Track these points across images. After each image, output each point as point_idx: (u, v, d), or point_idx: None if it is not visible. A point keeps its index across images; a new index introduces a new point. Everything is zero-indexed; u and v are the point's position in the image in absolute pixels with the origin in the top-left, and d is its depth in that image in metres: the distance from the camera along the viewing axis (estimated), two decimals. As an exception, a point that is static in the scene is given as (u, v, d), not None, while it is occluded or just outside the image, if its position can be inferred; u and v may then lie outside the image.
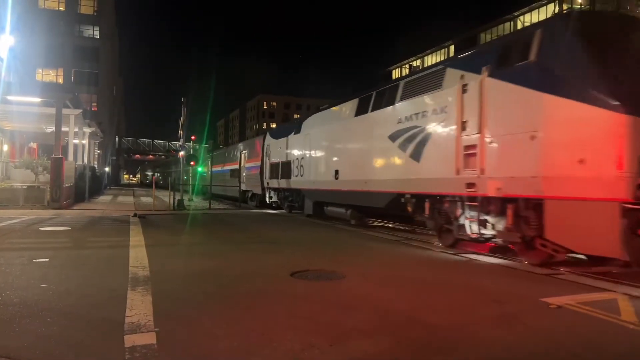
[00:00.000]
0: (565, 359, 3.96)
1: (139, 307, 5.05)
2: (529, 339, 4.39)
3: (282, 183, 20.24)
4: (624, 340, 4.49)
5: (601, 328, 4.79)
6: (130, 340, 4.05)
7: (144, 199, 29.11)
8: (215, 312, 5.06)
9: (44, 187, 19.70)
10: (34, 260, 7.62)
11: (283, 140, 20.45)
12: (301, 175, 17.87)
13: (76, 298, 5.44)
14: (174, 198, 21.83)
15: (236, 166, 28.70)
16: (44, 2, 59.57)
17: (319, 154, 16.61)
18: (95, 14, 63.69)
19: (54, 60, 57.96)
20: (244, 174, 27.07)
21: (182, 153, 27.51)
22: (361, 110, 13.70)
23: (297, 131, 18.86)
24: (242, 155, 27.71)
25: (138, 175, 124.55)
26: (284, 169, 19.88)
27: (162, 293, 5.70)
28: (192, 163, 25.98)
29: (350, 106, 14.63)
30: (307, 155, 17.43)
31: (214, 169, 34.22)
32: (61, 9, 61.11)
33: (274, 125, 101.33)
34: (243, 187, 26.90)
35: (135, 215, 16.45)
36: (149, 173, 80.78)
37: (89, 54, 61.75)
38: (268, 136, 23.34)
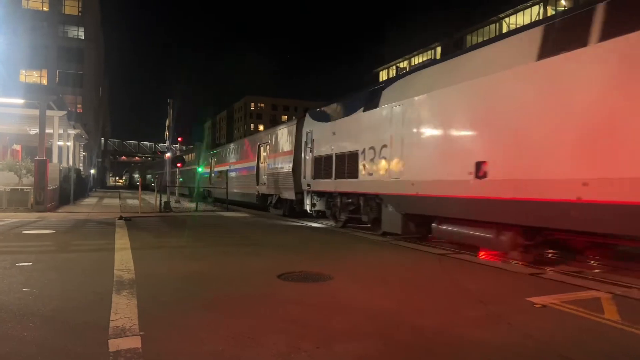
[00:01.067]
0: (551, 359, 3.99)
1: (123, 310, 4.99)
2: (514, 339, 4.43)
3: (340, 185, 14.54)
4: (607, 339, 4.54)
5: (585, 327, 4.84)
6: (114, 344, 4.01)
7: (130, 201, 28.84)
8: (200, 315, 5.02)
9: (28, 189, 19.42)
10: (17, 264, 7.50)
11: (339, 122, 14.93)
12: (382, 173, 12.21)
13: (60, 302, 5.37)
14: (161, 200, 21.66)
15: (251, 164, 23.91)
16: (27, 3, 58.95)
17: (434, 135, 10.63)
18: (79, 14, 63.11)
19: (37, 61, 57.30)
20: (264, 174, 22.08)
21: (168, 155, 27.34)
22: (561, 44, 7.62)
23: (372, 104, 13.01)
24: (262, 149, 22.66)
25: (124, 177, 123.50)
26: (342, 163, 14.37)
27: (148, 296, 5.65)
28: (178, 165, 25.82)
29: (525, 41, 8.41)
30: (400, 139, 11.52)
31: (217, 169, 31.06)
32: (45, 9, 60.48)
33: (261, 128, 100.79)
34: (263, 190, 22.20)
35: (121, 217, 16.29)
36: (136, 175, 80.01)
37: (73, 55, 61.17)
38: (309, 118, 17.49)
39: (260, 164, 22.67)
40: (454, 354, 4.05)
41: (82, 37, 63.05)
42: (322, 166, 15.65)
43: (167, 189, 24.40)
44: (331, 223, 15.85)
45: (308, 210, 17.35)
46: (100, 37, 72.87)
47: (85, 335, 4.31)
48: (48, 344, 4.05)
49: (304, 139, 17.39)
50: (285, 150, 19.51)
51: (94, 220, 16.23)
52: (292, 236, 12.90)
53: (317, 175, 16.07)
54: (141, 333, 4.30)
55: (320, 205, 16.63)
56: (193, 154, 42.74)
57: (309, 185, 16.80)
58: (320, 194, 16.46)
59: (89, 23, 63.44)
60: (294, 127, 18.74)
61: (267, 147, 21.70)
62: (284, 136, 20.06)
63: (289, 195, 18.62)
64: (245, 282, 6.68)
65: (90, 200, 29.87)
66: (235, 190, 25.93)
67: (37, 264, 7.64)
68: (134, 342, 4.06)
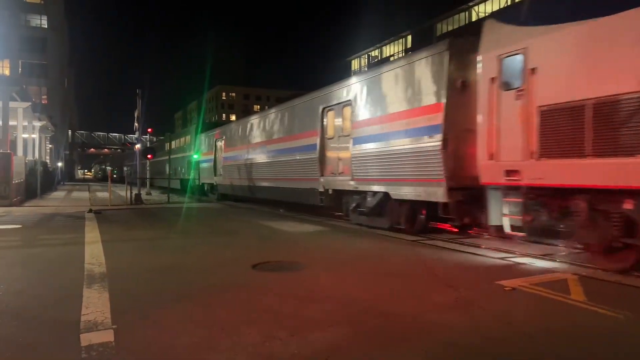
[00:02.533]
0: (520, 340, 4.10)
1: (95, 304, 4.92)
2: (485, 323, 4.53)
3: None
4: (573, 318, 4.69)
5: (553, 308, 5.00)
6: (86, 338, 3.95)
7: (100, 194, 28.29)
8: (174, 308, 4.98)
9: (-8, 184, 18.84)
10: (-18, 261, 7.30)
11: None
12: None
13: (28, 298, 5.26)
14: (131, 192, 21.31)
15: (303, 142, 15.00)
16: (-14, -10, 56.72)
17: None
18: (42, 2, 61.19)
19: (-1, 51, 55.35)
20: (339, 156, 13.12)
21: (138, 146, 26.84)
22: None
23: None
24: (335, 114, 13.51)
25: (93, 170, 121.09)
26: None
27: (120, 290, 5.57)
28: (149, 156, 25.39)
29: None
30: None
31: (228, 154, 22.61)
32: (5, -3, 58.29)
33: (233, 118, 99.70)
34: (341, 183, 12.96)
35: (90, 210, 15.98)
36: (109, 168, 78.36)
37: (36, 44, 59.40)
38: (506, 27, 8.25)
39: (328, 140, 13.73)
40: (425, 338, 4.12)
41: (46, 26, 61.23)
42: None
43: (137, 182, 23.92)
44: None
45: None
46: (64, 26, 70.76)
47: (56, 330, 4.24)
48: (16, 340, 3.96)
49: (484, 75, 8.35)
50: (427, 104, 9.85)
51: (62, 214, 15.88)
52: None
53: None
54: (114, 327, 4.25)
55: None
56: (179, 140, 36.46)
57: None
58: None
59: (52, 11, 61.58)
60: (437, 58, 9.68)
61: (350, 109, 12.44)
62: (407, 80, 10.61)
63: (429, 193, 9.63)
64: (219, 273, 6.65)
65: (58, 194, 29.19)
66: (267, 185, 18.08)
67: (3, 260, 7.45)
68: (107, 336, 4.01)
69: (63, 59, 68.99)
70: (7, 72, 57.86)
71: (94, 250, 8.32)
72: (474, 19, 50.96)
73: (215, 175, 24.63)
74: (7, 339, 3.99)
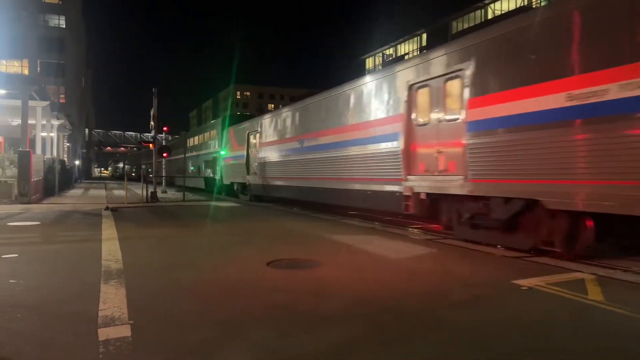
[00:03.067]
0: (537, 339, 4.06)
1: (112, 300, 4.98)
2: (501, 322, 4.50)
3: None
4: (591, 319, 4.63)
5: (570, 308, 4.93)
6: (104, 333, 4.00)
7: (116, 192, 28.62)
8: (189, 304, 5.03)
9: (12, 181, 19.15)
10: (2, 256, 7.43)
11: None
12: None
13: (47, 293, 5.33)
14: (147, 190, 21.51)
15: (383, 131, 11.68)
16: (6, -9, 57.63)
17: None
18: (60, 2, 62.02)
19: (18, 51, 56.28)
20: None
21: (152, 144, 27.01)
22: None
23: None
24: (426, 92, 10.29)
25: (110, 168, 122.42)
26: None
27: (136, 286, 5.63)
28: (164, 155, 25.58)
29: None
30: None
31: (266, 147, 19.42)
32: (25, -3, 59.20)
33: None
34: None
35: (107, 208, 16.16)
36: (127, 166, 78.89)
37: (54, 44, 60.23)
38: None
39: (418, 127, 10.43)
40: (439, 336, 4.10)
41: (63, 26, 62.04)
42: None
43: (153, 180, 24.14)
44: None
45: None
46: (81, 25, 71.67)
47: (74, 325, 4.29)
48: (36, 335, 4.03)
49: None
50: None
51: (79, 211, 16.09)
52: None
53: None
54: (130, 322, 4.30)
55: None
56: (202, 136, 33.58)
57: None
58: None
59: (69, 11, 62.40)
60: None
61: (459, 82, 9.21)
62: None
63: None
64: (233, 270, 6.68)
65: (75, 192, 29.57)
66: (320, 186, 14.90)
67: (23, 256, 7.57)
68: (124, 331, 4.05)
69: (80, 59, 69.89)
70: (26, 71, 58.80)
71: (110, 247, 8.42)
72: (489, 16, 50.49)
73: (248, 173, 21.91)
74: (27, 333, 4.05)
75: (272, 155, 18.95)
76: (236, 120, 26.12)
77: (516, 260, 7.48)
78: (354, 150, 12.96)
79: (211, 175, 28.84)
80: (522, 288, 5.65)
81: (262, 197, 20.86)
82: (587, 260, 7.37)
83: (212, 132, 30.56)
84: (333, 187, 14.17)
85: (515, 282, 5.89)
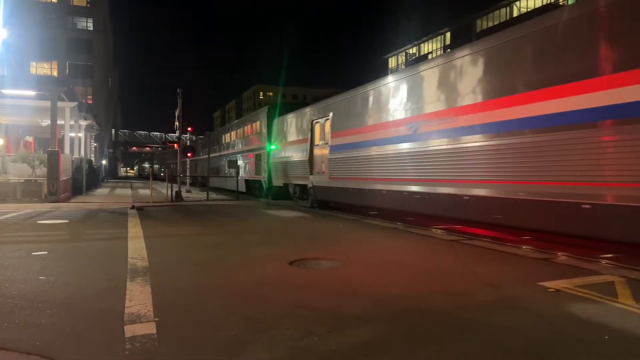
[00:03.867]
0: (565, 342, 3.98)
1: (138, 297, 5.06)
2: (528, 324, 4.42)
3: None
4: (623, 323, 4.51)
5: (600, 311, 4.82)
6: (130, 330, 4.07)
7: (142, 191, 29.08)
8: (214, 301, 5.07)
9: (41, 180, 19.65)
10: (32, 253, 7.62)
11: None
12: None
13: (75, 290, 5.45)
14: (172, 190, 21.81)
15: None
16: (36, -6, 59.11)
17: None
18: (88, 5, 63.35)
19: (47, 53, 57.69)
20: None
21: (176, 144, 27.29)
22: None
23: None
24: None
25: (136, 168, 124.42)
26: None
27: (161, 283, 5.71)
28: (189, 154, 25.88)
29: None
30: None
31: (341, 141, 15.43)
32: (54, 0, 60.69)
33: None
34: None
35: (133, 207, 16.44)
36: (146, 165, 79.73)
37: (82, 46, 61.48)
38: None
39: None
40: (465, 337, 4.05)
41: (91, 28, 63.31)
42: None
43: (178, 179, 24.48)
44: None
45: None
46: (108, 27, 73.03)
47: (101, 321, 4.38)
48: (65, 331, 4.11)
49: None
50: None
51: (106, 210, 16.39)
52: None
53: None
54: (156, 319, 4.36)
55: None
56: (240, 130, 28.74)
57: None
58: None
59: (97, 14, 63.62)
60: None
61: None
62: None
63: None
64: (257, 269, 6.72)
65: (102, 191, 30.16)
66: (454, 191, 10.30)
67: (52, 253, 7.74)
68: (149, 328, 4.11)
69: (107, 60, 71.22)
70: (55, 73, 60.16)
71: (136, 245, 8.55)
72: (515, 14, 49.74)
73: (312, 172, 17.47)
74: (55, 329, 4.15)
75: (354, 148, 14.42)
76: (288, 108, 21.17)
77: (542, 261, 7.34)
78: (526, 136, 8.43)
79: (254, 175, 24.59)
80: (549, 290, 5.54)
81: (328, 203, 16.85)
82: (616, 263, 7.21)
83: (254, 124, 25.57)
84: (479, 195, 9.55)
85: (541, 284, 5.79)
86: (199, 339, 3.97)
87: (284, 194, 21.04)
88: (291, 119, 20.08)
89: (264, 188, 23.04)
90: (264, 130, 22.97)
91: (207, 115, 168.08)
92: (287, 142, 20.20)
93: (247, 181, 26.50)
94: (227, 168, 28.10)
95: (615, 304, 4.98)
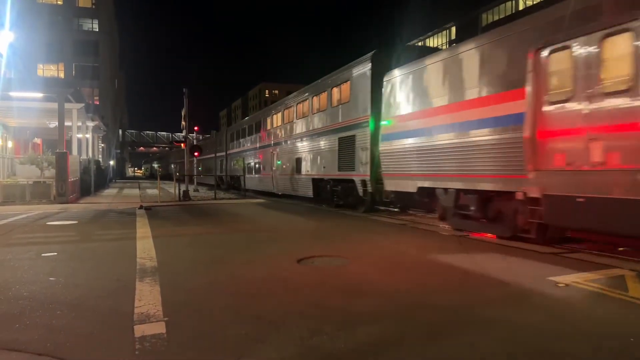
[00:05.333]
0: (575, 337, 3.95)
1: (147, 297, 5.08)
2: (538, 318, 4.39)
3: None
4: (632, 316, 4.48)
5: (609, 305, 4.78)
6: (139, 330, 4.08)
7: (150, 191, 29.19)
8: (223, 300, 5.08)
9: (50, 182, 19.78)
10: (42, 255, 7.67)
11: None
12: None
13: (85, 290, 5.48)
14: (179, 189, 21.89)
15: None
16: (42, -3, 59.41)
17: None
18: (93, 6, 63.53)
19: (54, 55, 58.00)
20: None
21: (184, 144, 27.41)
22: None
23: None
24: None
25: (143, 168, 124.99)
26: None
27: (170, 283, 5.73)
28: (195, 154, 25.94)
29: None
30: None
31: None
32: (59, 2, 60.97)
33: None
34: None
35: (141, 207, 16.51)
36: (155, 165, 79.69)
37: (89, 47, 61.71)
38: None
39: None
40: (476, 333, 4.03)
41: (97, 30, 63.50)
42: None
43: (186, 178, 24.57)
44: None
45: None
46: (114, 28, 73.32)
47: (111, 321, 4.39)
48: (76, 331, 4.13)
49: None
50: None
51: (115, 210, 16.47)
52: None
53: None
54: (165, 319, 4.37)
55: None
56: (291, 110, 21.53)
57: None
58: None
59: (102, 15, 63.83)
60: None
61: None
62: None
63: None
64: (265, 267, 6.72)
65: (110, 191, 30.30)
66: None
67: (61, 254, 7.79)
68: (159, 328, 4.12)
69: (113, 61, 71.51)
70: (62, 75, 60.45)
71: (145, 245, 8.59)
72: (520, 7, 49.40)
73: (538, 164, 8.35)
74: (66, 329, 4.17)
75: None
76: (417, 52, 13.77)
77: (551, 256, 7.30)
78: None
79: (336, 171, 16.53)
80: (559, 285, 5.51)
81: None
82: (626, 256, 7.15)
83: (334, 90, 17.23)
84: None
85: (551, 278, 5.75)
86: (208, 338, 3.97)
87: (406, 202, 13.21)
88: (452, 60, 10.78)
89: (363, 192, 14.71)
90: (365, 96, 14.64)
91: (214, 114, 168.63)
92: (429, 111, 11.28)
93: (316, 181, 18.72)
94: (280, 163, 21.04)
95: (626, 298, 4.94)
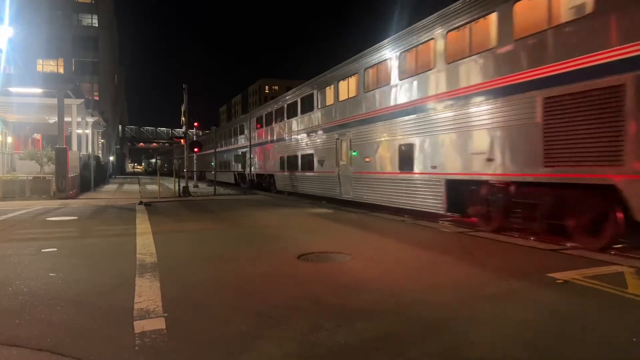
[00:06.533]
0: (575, 333, 3.96)
1: (147, 293, 5.08)
2: (537, 315, 4.40)
3: None
4: (631, 313, 4.49)
5: (608, 301, 4.79)
6: (139, 325, 4.09)
7: (150, 187, 29.20)
8: (222, 296, 5.09)
9: (50, 177, 19.78)
10: (42, 250, 7.67)
11: None
12: None
13: (85, 286, 5.49)
14: (179, 185, 21.89)
15: None
16: (41, -8, 59.21)
17: None
18: (92, 2, 63.36)
19: (53, 51, 57.88)
20: None
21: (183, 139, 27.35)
22: None
23: None
24: None
25: (143, 164, 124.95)
26: None
27: (170, 279, 5.74)
28: (195, 150, 25.91)
29: None
30: None
31: None
32: (59, -2, 60.76)
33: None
34: None
35: (141, 203, 16.51)
36: (154, 160, 79.40)
37: (88, 43, 61.60)
38: None
39: None
40: (475, 330, 4.04)
41: (96, 25, 63.36)
42: None
43: (185, 174, 24.60)
44: None
45: None
46: (113, 24, 73.11)
47: (111, 317, 4.40)
48: (76, 327, 4.14)
49: None
50: None
51: (114, 206, 16.47)
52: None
53: None
54: (165, 314, 4.38)
55: None
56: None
57: None
58: None
59: (102, 10, 63.68)
60: None
61: None
62: None
63: None
64: (266, 263, 6.73)
65: (110, 187, 30.31)
66: None
67: (62, 250, 7.80)
68: (159, 324, 4.14)
69: (113, 56, 71.36)
70: (61, 70, 60.35)
71: (145, 240, 8.59)
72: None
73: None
74: (66, 325, 4.18)
75: None
76: None
77: (550, 252, 7.31)
78: None
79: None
80: (558, 281, 5.52)
81: None
82: (625, 253, 7.16)
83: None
84: None
85: (550, 275, 5.76)
86: (208, 334, 3.98)
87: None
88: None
89: None
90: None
91: (214, 110, 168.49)
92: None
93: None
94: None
95: (625, 295, 4.95)
